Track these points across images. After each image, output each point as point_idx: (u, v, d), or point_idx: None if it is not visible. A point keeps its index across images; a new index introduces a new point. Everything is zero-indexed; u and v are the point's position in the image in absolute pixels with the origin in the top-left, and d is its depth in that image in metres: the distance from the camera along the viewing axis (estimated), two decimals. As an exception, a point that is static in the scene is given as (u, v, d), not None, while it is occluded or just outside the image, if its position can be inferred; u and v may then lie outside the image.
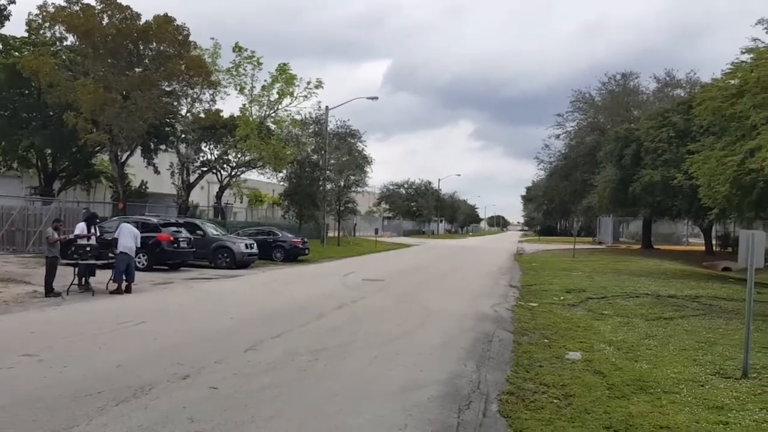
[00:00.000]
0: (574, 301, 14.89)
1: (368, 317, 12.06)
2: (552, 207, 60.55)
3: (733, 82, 15.34)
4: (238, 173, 38.54)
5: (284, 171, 39.24)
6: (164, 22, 27.53)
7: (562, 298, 15.55)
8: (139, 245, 15.89)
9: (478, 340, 9.96)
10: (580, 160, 47.77)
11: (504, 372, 7.87)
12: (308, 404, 6.18)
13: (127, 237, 15.30)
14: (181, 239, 21.46)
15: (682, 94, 40.77)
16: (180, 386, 6.62)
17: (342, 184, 45.00)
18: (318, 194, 40.29)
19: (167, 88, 30.45)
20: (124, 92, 27.95)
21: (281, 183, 43.04)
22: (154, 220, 22.08)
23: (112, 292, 14.44)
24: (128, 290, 14.75)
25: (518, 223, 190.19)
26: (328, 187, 42.19)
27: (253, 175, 42.44)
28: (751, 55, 14.87)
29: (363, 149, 46.84)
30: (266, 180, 43.81)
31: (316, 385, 6.93)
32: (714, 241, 40.99)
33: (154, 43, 28.20)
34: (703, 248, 40.44)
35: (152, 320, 10.88)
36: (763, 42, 15.07)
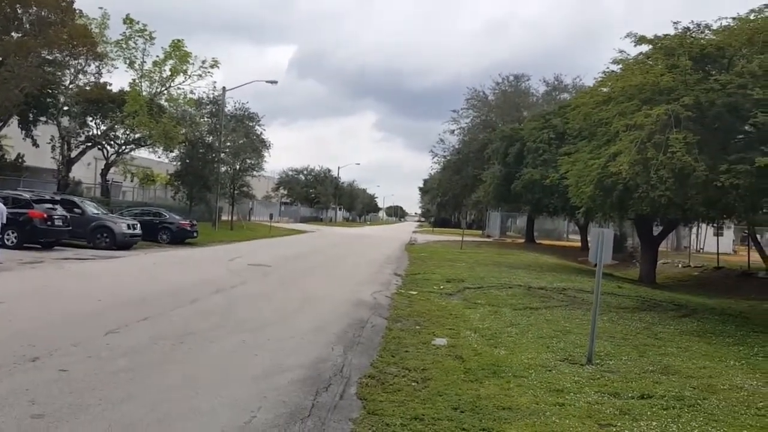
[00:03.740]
0: (452, 291, 15.43)
1: (245, 302, 12.00)
2: (445, 200, 62.37)
3: (604, 90, 16.52)
4: (126, 150, 36.82)
5: (176, 151, 37.88)
6: (46, -15, 25.78)
7: (441, 287, 16.07)
8: (5, 221, 14.93)
9: (351, 326, 10.16)
10: (471, 156, 49.48)
11: (370, 357, 8.07)
12: (163, 388, 6.11)
13: (-7, 213, 14.39)
14: (55, 217, 20.29)
15: (568, 98, 43.13)
16: (27, 368, 6.34)
17: (237, 167, 44.05)
18: (211, 176, 39.22)
19: (48, 57, 28.54)
20: (-1, 58, 25.96)
21: (173, 163, 41.55)
22: (27, 195, 20.73)
23: (-29, 271, 13.53)
24: (-9, 269, 13.90)
25: (415, 213, 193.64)
26: (223, 169, 41.18)
27: (144, 154, 40.75)
28: (620, 66, 16.10)
29: (261, 133, 46.06)
30: (158, 159, 42.17)
31: (176, 369, 6.85)
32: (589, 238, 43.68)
33: (34, 8, 26.33)
34: (580, 244, 43.09)
35: (12, 301, 10.31)
36: (629, 54, 16.34)
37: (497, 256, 29.36)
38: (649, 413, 6.22)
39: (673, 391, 7.04)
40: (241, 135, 43.10)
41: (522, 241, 48.86)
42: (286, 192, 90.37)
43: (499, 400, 6.36)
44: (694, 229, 34.34)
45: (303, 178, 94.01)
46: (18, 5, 25.92)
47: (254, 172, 46.94)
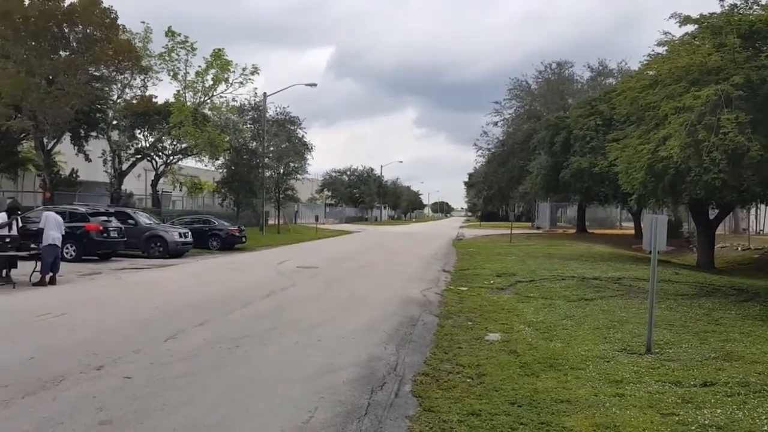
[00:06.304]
0: (503, 285, 15.25)
1: (296, 304, 12.13)
2: (491, 193, 61.59)
3: (650, 73, 16.06)
4: (174, 161, 37.76)
5: (221, 158, 38.65)
6: (90, 4, 26.60)
7: (492, 282, 15.90)
8: (63, 234, 15.49)
9: (402, 324, 10.13)
10: (516, 147, 48.69)
11: (423, 354, 8.05)
12: (222, 390, 6.23)
13: (54, 227, 14.92)
14: (111, 228, 20.95)
15: (614, 83, 42.04)
16: (92, 377, 6.56)
17: (281, 171, 44.64)
18: (256, 182, 39.86)
19: (95, 73, 29.49)
20: (49, 77, 26.90)
21: (219, 171, 42.46)
22: (82, 209, 21.49)
23: (35, 284, 14.02)
24: (53, 282, 14.38)
25: (462, 209, 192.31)
26: (267, 174, 41.77)
27: (191, 163, 41.72)
28: (665, 48, 15.63)
29: (303, 136, 46.59)
30: (205, 168, 43.17)
31: (233, 371, 6.98)
32: (643, 225, 42.60)
33: (80, 26, 27.21)
34: (634, 231, 42.04)
35: (73, 311, 10.67)
36: (675, 36, 15.84)
37: (548, 248, 28.91)
38: (712, 401, 6.03)
39: (737, 377, 6.81)
40: (284, 139, 43.68)
41: (573, 231, 47.93)
42: (330, 193, 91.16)
43: (556, 393, 6.25)
44: (753, 211, 33.13)
45: (346, 178, 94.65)
46: (65, 24, 26.81)
47: (298, 175, 47.47)
